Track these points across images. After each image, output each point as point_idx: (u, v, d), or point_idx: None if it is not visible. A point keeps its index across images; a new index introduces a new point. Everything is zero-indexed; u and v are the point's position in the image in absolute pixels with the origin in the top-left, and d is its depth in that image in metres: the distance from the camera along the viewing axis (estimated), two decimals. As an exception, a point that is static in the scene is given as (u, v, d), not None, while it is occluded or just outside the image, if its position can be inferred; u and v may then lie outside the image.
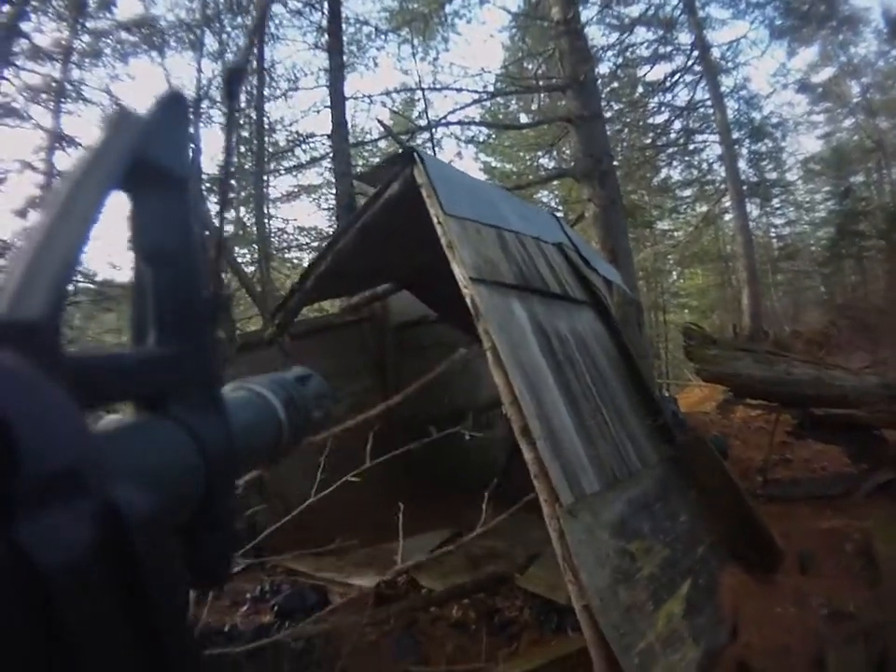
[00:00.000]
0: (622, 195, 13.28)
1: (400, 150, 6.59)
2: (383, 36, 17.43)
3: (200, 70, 15.64)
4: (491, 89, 16.98)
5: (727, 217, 23.49)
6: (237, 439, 0.44)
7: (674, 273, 28.70)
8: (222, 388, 0.48)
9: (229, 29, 16.32)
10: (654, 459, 5.11)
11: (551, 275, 5.39)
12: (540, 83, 15.11)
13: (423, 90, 16.53)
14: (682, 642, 3.77)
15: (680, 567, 4.40)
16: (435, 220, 4.37)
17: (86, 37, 15.69)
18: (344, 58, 14.60)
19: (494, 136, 22.08)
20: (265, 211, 16.89)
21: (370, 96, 16.31)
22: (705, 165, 24.13)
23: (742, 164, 23.44)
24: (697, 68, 19.95)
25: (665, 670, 3.52)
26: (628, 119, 20.21)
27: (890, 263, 19.74)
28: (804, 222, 28.09)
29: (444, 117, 14.76)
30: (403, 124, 17.66)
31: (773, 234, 27.95)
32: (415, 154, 4.65)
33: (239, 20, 16.08)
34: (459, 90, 15.30)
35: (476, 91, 15.51)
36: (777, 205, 27.23)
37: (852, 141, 26.68)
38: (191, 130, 0.45)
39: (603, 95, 17.66)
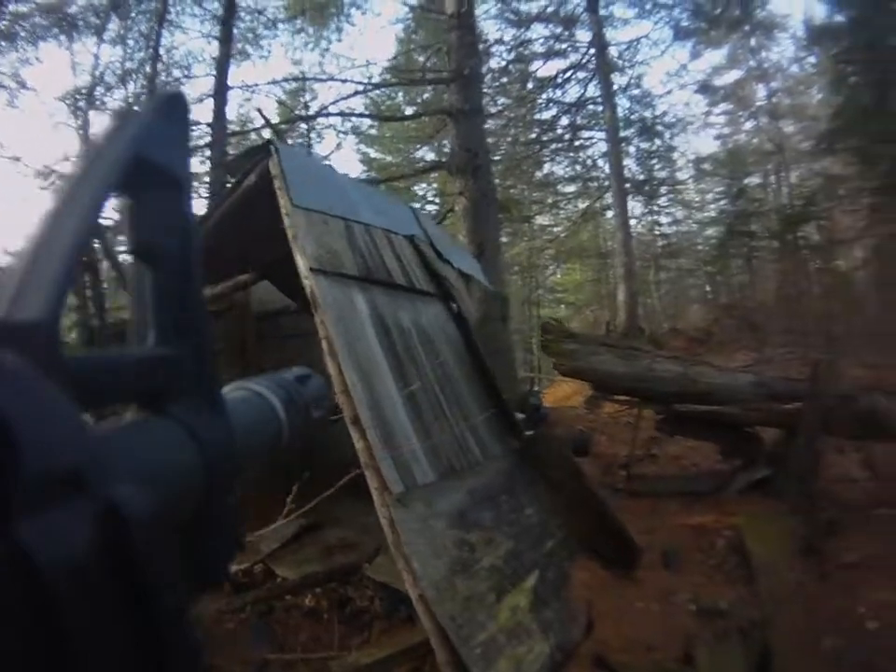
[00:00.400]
0: (496, 189, 13.68)
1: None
2: (278, 25, 17.68)
3: (98, 56, 15.84)
4: (377, 80, 17.39)
5: (609, 213, 23.98)
6: (237, 439, 0.46)
7: (551, 268, 29.13)
8: (222, 388, 0.50)
9: (133, 14, 16.29)
10: (499, 452, 5.21)
11: (398, 267, 5.43)
12: (428, 76, 15.37)
13: (305, 79, 17.10)
14: (529, 635, 3.77)
15: (526, 559, 4.37)
16: (283, 212, 4.49)
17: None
18: (239, 46, 15.46)
19: (376, 128, 22.47)
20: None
21: (254, 86, 16.58)
22: (589, 162, 24.72)
23: (630, 162, 24.31)
24: (591, 66, 20.57)
25: (511, 662, 3.53)
26: (513, 115, 20.67)
27: (781, 264, 20.51)
28: (692, 221, 28.99)
29: (326, 107, 15.35)
30: (288, 115, 17.90)
31: (658, 232, 28.68)
32: (272, 146, 4.76)
33: (143, 5, 16.07)
34: (344, 80, 16.16)
35: (359, 83, 15.99)
36: (665, 204, 28.07)
37: (751, 144, 27.91)
38: (190, 130, 0.48)
39: (491, 90, 18.74)
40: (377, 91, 19.56)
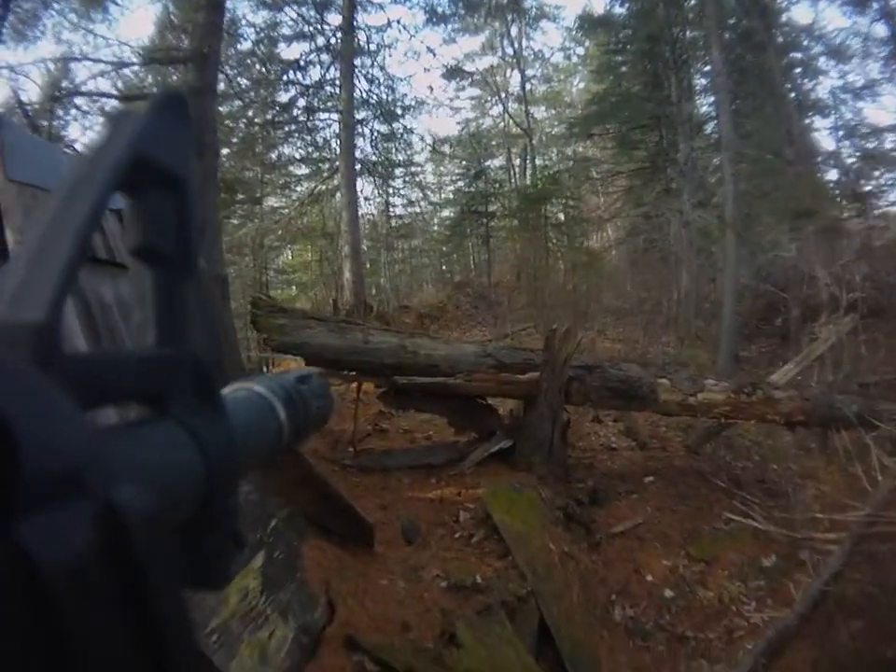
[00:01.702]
0: (219, 170, 14.13)
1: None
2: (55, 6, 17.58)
3: None
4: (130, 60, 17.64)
5: (339, 195, 24.29)
6: (237, 439, 0.48)
7: (280, 249, 29.14)
8: (223, 388, 0.52)
9: None
10: None
11: (100, 240, 5.29)
12: (171, 55, 15.69)
13: (60, 60, 17.08)
14: (266, 619, 3.74)
15: (249, 540, 4.28)
16: (-1, 188, 4.42)
17: None
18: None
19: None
20: None
21: (13, 67, 16.06)
22: (322, 142, 24.92)
23: (365, 144, 24.70)
24: (337, 48, 21.30)
25: (253, 649, 3.52)
26: (252, 96, 21.06)
27: (522, 242, 21.54)
28: (427, 203, 29.60)
29: (77, 87, 15.98)
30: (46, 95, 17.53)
31: (392, 213, 29.12)
32: None
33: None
34: (96, 60, 16.28)
35: (107, 62, 16.52)
36: (400, 186, 28.46)
37: (495, 127, 29.02)
38: (192, 129, 0.49)
39: (235, 71, 19.28)
40: (129, 73, 19.27)
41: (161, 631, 0.31)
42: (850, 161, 19.57)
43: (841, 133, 20.22)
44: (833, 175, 20.20)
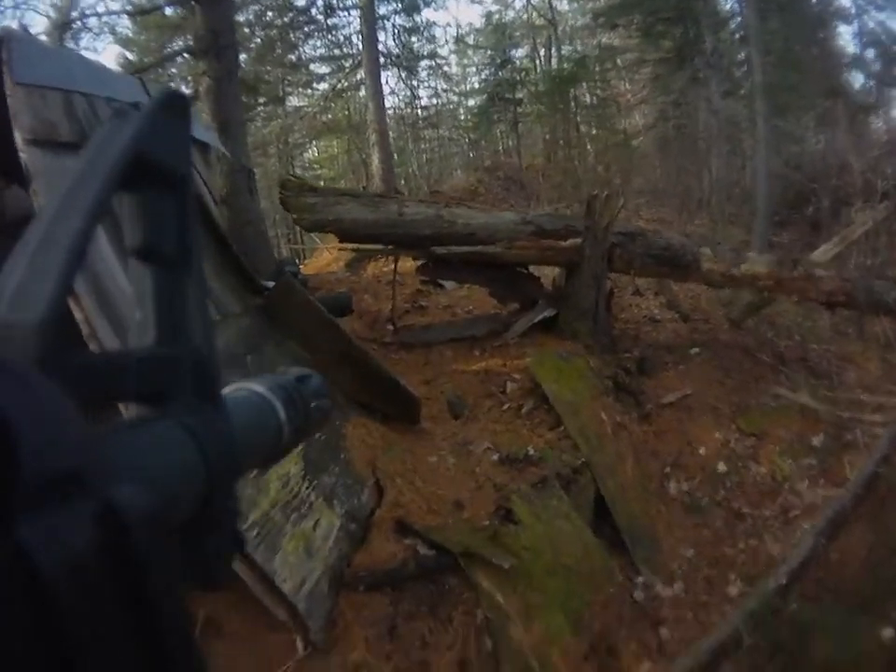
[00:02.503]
0: (240, 69, 13.94)
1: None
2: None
3: None
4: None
5: (363, 88, 24.16)
6: (237, 439, 0.47)
7: (306, 146, 29.31)
8: (222, 388, 0.51)
9: None
10: (238, 310, 5.00)
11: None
12: None
13: None
14: (311, 507, 3.60)
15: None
16: (7, 92, 4.24)
17: None
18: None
19: (132, 30, 22.08)
20: None
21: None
22: (343, 40, 24.68)
23: (387, 38, 24.48)
24: None
25: (298, 541, 3.35)
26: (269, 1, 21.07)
27: (551, 125, 21.33)
28: (453, 93, 29.40)
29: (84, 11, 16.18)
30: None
31: (418, 105, 28.98)
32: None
33: None
34: None
35: None
36: (425, 78, 28.22)
37: (519, 18, 28.19)
38: (192, 129, 0.49)
39: None
40: None
41: (160, 631, 0.30)
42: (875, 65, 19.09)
43: (864, 39, 19.54)
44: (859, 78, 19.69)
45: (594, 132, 20.71)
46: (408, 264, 7.29)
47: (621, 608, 3.75)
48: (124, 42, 22.80)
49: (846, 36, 20.47)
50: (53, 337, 0.32)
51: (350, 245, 7.12)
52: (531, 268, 7.03)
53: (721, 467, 5.15)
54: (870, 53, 19.29)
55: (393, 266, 7.32)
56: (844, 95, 13.59)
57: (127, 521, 0.28)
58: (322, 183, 28.20)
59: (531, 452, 4.53)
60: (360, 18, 21.66)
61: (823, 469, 5.22)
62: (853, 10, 19.39)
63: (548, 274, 7.23)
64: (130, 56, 24.11)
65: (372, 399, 4.83)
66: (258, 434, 0.53)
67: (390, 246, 6.77)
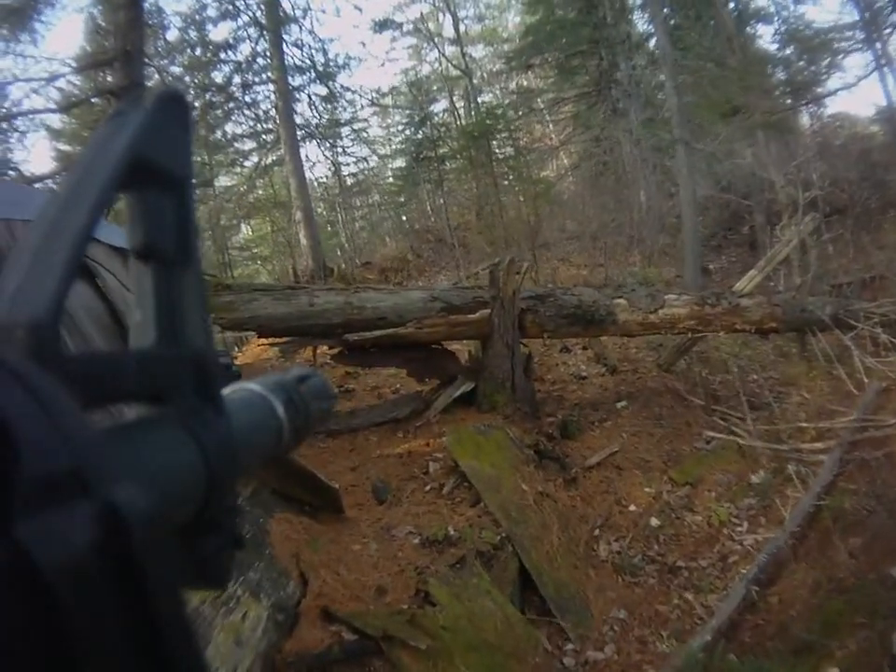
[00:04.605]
0: None
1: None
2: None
3: None
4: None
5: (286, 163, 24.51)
6: (237, 439, 0.48)
7: (239, 226, 29.39)
8: (223, 389, 0.51)
9: None
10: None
11: None
12: (97, 59, 15.90)
13: None
14: (238, 601, 3.73)
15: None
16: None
17: None
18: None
19: (66, 122, 22.94)
20: None
21: None
22: (263, 115, 25.09)
23: (304, 108, 24.98)
24: (262, 21, 21.71)
25: (228, 633, 3.50)
26: (188, 80, 21.45)
27: (474, 180, 21.53)
28: (379, 155, 29.68)
29: (11, 108, 16.16)
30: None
31: (344, 173, 29.26)
32: None
33: None
34: (28, 80, 16.11)
35: (38, 80, 16.42)
36: (348, 145, 28.54)
37: (435, 73, 29.03)
38: (191, 130, 0.49)
39: (166, 62, 19.94)
40: (65, 85, 19.30)
41: (160, 631, 0.31)
42: (796, 62, 19.50)
43: (785, 38, 20.10)
44: (781, 74, 20.06)
45: (514, 184, 20.99)
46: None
47: (548, 676, 3.94)
48: (55, 133, 23.36)
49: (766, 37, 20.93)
50: (54, 337, 0.33)
51: (266, 341, 7.28)
52: (452, 342, 7.23)
53: (654, 521, 5.33)
54: (790, 51, 19.88)
55: (324, 349, 7.53)
56: (755, 108, 13.87)
57: (127, 521, 0.29)
58: (258, 263, 28.49)
59: (451, 532, 4.72)
60: (275, 92, 22.30)
61: (764, 507, 5.38)
62: (772, 8, 20.04)
63: (467, 346, 7.48)
64: (62, 147, 24.67)
65: (299, 493, 5.01)
66: (258, 434, 0.55)
67: (307, 337, 6.97)
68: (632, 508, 5.50)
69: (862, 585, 4.16)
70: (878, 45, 15.53)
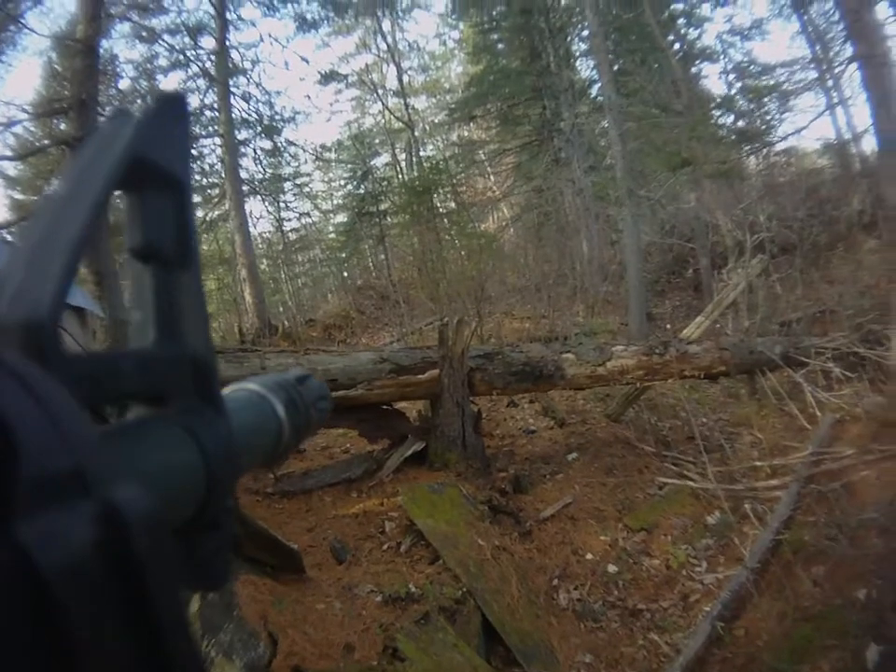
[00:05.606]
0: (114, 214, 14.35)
1: None
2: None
3: None
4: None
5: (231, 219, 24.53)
6: (237, 439, 0.49)
7: None
8: (223, 389, 0.54)
9: None
10: None
11: None
12: (53, 107, 15.53)
13: None
14: (212, 662, 3.84)
15: (181, 586, 4.25)
16: None
17: None
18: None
19: (19, 169, 23.41)
20: None
21: None
22: (209, 168, 25.19)
23: (248, 163, 25.49)
24: (212, 72, 21.90)
25: None
26: None
27: (416, 235, 21.49)
28: (321, 210, 29.80)
29: None
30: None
31: (287, 228, 29.36)
32: None
33: None
34: None
35: None
36: (291, 200, 28.70)
37: (377, 125, 29.39)
38: (191, 131, 0.51)
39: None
40: (22, 131, 19.97)
41: (160, 631, 0.31)
42: (743, 103, 20.15)
43: (732, 76, 20.92)
44: (729, 118, 20.73)
45: (457, 239, 20.98)
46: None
47: (517, 723, 4.08)
48: (11, 181, 23.82)
49: (713, 78, 21.45)
50: (54, 337, 0.33)
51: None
52: (402, 402, 7.40)
53: (612, 568, 5.48)
54: (738, 91, 20.47)
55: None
56: (705, 160, 14.16)
57: (127, 521, 0.30)
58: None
59: (412, 589, 4.86)
60: (222, 146, 22.50)
61: (722, 546, 5.55)
62: (718, 47, 20.86)
63: (415, 405, 7.69)
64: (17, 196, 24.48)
65: (261, 555, 5.06)
66: (258, 434, 0.56)
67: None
68: (589, 556, 5.65)
69: (830, 610, 4.34)
70: (830, 81, 16.03)
